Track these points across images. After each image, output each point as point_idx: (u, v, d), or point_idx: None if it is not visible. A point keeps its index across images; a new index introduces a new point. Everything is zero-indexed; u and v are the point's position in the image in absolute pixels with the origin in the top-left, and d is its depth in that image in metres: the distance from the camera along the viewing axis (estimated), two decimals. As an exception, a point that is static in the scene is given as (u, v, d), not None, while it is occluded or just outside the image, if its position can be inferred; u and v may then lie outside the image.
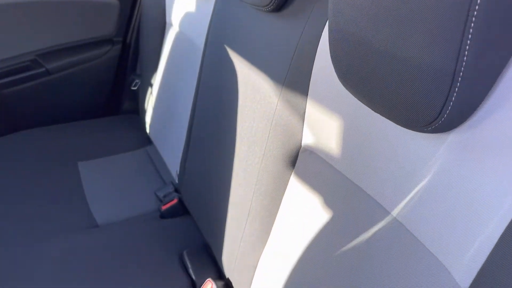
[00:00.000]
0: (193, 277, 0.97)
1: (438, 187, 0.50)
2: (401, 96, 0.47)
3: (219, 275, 0.97)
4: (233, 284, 0.91)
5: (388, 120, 0.55)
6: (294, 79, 0.73)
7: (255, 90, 0.84)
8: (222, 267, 0.95)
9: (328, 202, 0.67)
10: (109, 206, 1.23)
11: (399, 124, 0.51)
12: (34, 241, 1.06)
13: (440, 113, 0.44)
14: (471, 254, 0.46)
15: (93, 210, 1.21)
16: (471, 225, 0.46)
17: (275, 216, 0.79)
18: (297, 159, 0.75)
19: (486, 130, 0.45)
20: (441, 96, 0.43)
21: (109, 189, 1.30)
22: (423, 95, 0.45)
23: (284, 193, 0.78)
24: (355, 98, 0.61)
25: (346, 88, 0.57)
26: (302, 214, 0.73)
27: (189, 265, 0.99)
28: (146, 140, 1.56)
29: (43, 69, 1.56)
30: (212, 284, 0.91)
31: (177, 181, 1.24)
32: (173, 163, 1.31)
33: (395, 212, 0.57)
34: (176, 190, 1.24)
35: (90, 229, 1.13)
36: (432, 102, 0.44)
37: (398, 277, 0.53)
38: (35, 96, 1.60)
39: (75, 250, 1.04)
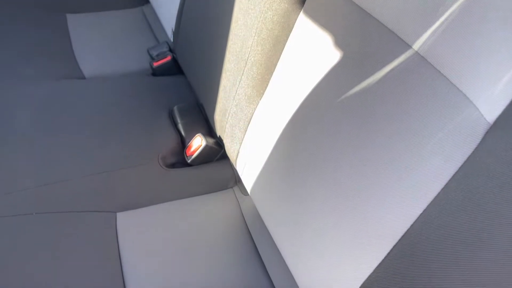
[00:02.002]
0: (182, 132, 0.91)
1: (466, 16, 0.41)
2: None
3: (210, 133, 0.92)
4: (224, 141, 0.86)
5: None
6: None
7: None
8: (214, 124, 0.89)
9: (340, 39, 0.58)
10: (97, 60, 1.14)
11: None
12: (18, 82, 0.99)
13: None
14: (500, 87, 0.40)
15: (80, 62, 1.12)
16: (502, 57, 0.40)
17: (276, 62, 0.70)
18: (308, -5, 0.65)
19: None
20: None
21: (99, 43, 1.20)
22: None
23: (288, 36, 0.69)
24: None
25: None
26: (308, 57, 0.64)
27: (178, 120, 0.92)
28: (143, -1, 1.42)
29: None
30: (202, 138, 0.86)
31: (171, 40, 1.14)
32: (168, 21, 1.19)
33: (416, 45, 0.49)
34: (171, 50, 1.15)
35: (77, 80, 1.06)
36: None
37: (418, 115, 0.46)
38: None
39: (60, 96, 0.97)
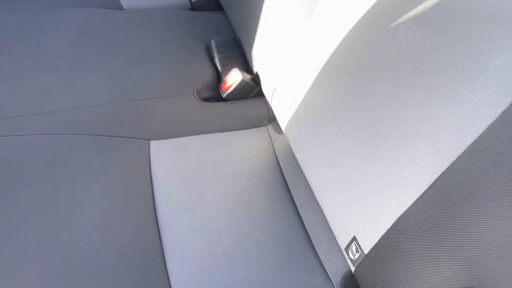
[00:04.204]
0: (219, 67, 0.89)
1: None
2: None
3: (247, 69, 0.89)
4: (261, 78, 0.83)
5: None
6: None
7: None
8: (251, 60, 0.86)
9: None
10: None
11: None
12: (56, 6, 0.99)
13: None
14: None
15: (118, -8, 1.10)
16: None
17: (313, 8, 0.66)
18: None
19: None
20: None
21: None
22: None
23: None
24: None
25: None
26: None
27: (215, 54, 0.90)
28: None
29: None
30: (238, 73, 0.84)
31: (212, -26, 1.10)
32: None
33: None
34: (210, -14, 1.11)
35: (115, 10, 1.04)
36: None
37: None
38: None
39: (97, 24, 0.96)
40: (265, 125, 0.86)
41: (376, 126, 0.53)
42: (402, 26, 0.52)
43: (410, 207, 0.48)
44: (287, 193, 0.76)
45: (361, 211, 0.55)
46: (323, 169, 0.65)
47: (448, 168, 0.44)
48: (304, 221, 0.73)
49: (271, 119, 0.86)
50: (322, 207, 0.66)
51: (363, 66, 0.56)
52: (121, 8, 1.07)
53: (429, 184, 0.46)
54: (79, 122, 0.77)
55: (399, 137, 0.50)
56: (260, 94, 0.87)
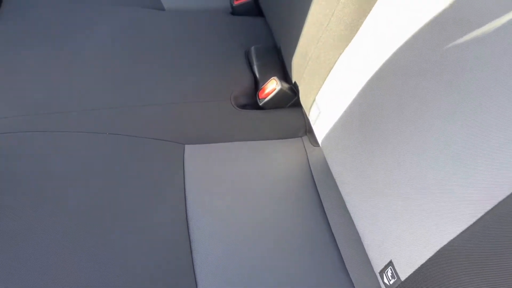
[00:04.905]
0: (257, 74, 0.88)
1: None
2: None
3: (285, 78, 0.88)
4: (300, 88, 0.82)
5: None
6: None
7: None
8: (291, 69, 0.85)
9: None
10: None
11: None
12: (98, 3, 1.00)
13: None
14: None
15: (160, -7, 1.11)
16: None
17: (374, 3, 0.65)
18: None
19: None
20: None
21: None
22: None
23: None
24: None
25: None
26: (410, 10, 0.58)
27: (254, 61, 0.90)
28: None
29: None
30: (277, 82, 0.83)
31: (254, -21, 1.10)
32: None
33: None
34: (252, -9, 1.10)
35: (156, 10, 1.05)
36: None
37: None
38: None
39: (138, 24, 0.97)
40: (300, 136, 0.85)
41: (425, 150, 0.51)
42: (469, 43, 0.50)
43: (456, 237, 0.46)
44: (320, 208, 0.75)
45: (401, 235, 0.54)
46: (361, 187, 0.63)
47: (502, 201, 0.42)
48: (336, 238, 0.72)
49: (307, 130, 0.85)
50: (357, 226, 0.65)
51: (416, 87, 0.54)
52: (162, 9, 1.07)
53: (480, 216, 0.43)
54: (117, 122, 0.78)
55: (452, 163, 0.48)
56: (297, 104, 0.86)
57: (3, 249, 0.60)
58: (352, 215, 0.67)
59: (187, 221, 0.70)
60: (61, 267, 0.60)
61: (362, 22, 0.67)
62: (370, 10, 0.66)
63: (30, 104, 0.78)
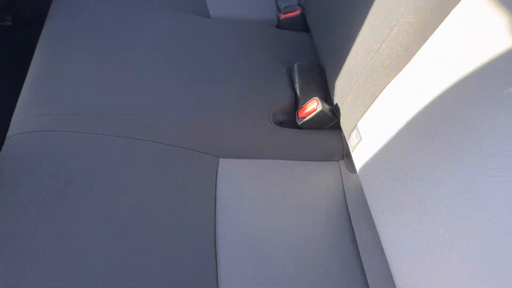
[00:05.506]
0: (298, 92, 0.87)
1: None
2: None
3: (326, 99, 0.86)
4: (341, 111, 0.80)
5: None
6: None
7: None
8: (333, 90, 0.83)
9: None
10: (224, 2, 1.12)
11: None
12: (145, 6, 1.01)
13: None
14: None
15: (208, 0, 1.11)
16: None
17: (428, 36, 0.62)
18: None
19: None
20: None
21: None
22: None
23: (452, 9, 0.59)
24: None
25: None
26: (467, 43, 0.56)
27: (296, 78, 0.88)
28: None
29: None
30: (318, 102, 0.81)
31: (304, -6, 1.08)
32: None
33: None
34: (299, 4, 1.09)
35: (202, 17, 1.05)
36: None
37: None
38: None
39: (183, 30, 0.97)
40: (337, 160, 0.82)
41: (473, 196, 0.48)
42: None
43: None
44: (351, 237, 0.73)
45: (440, 280, 0.51)
46: (399, 223, 0.61)
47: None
48: (365, 269, 0.70)
49: (344, 155, 0.82)
50: (390, 263, 0.62)
51: (466, 129, 0.52)
52: (208, 16, 1.07)
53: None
54: (155, 129, 0.78)
55: (500, 209, 0.45)
56: (336, 127, 0.83)
57: (27, 244, 0.61)
58: (385, 250, 0.64)
59: (215, 233, 0.69)
60: (81, 264, 0.60)
61: (414, 53, 0.65)
62: (427, 38, 0.63)
63: (71, 104, 0.79)
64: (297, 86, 0.87)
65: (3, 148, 0.73)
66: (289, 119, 0.86)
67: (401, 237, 0.60)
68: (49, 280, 0.58)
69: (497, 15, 0.52)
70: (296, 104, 0.87)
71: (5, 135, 0.76)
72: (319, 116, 0.81)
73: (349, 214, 0.75)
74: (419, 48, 0.64)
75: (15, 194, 0.66)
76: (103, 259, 0.62)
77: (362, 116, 0.74)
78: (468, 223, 0.49)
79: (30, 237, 0.61)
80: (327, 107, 0.82)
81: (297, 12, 1.03)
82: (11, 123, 0.77)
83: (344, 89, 0.79)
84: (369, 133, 0.71)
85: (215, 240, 0.69)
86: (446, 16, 0.60)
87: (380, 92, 0.70)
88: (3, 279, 0.57)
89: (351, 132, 0.77)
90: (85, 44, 0.89)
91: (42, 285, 0.57)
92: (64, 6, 0.99)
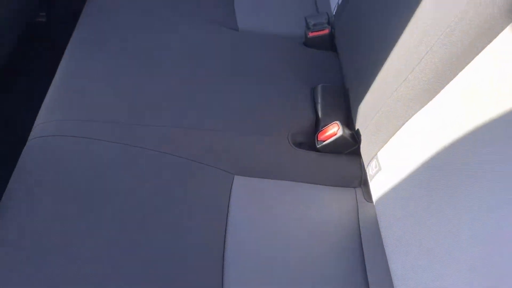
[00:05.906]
0: (319, 114, 0.85)
1: None
2: None
3: (347, 123, 0.85)
4: (362, 138, 0.78)
5: None
6: None
7: None
8: (356, 116, 0.82)
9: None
10: (254, 15, 1.12)
11: None
12: (173, 15, 1.01)
13: None
14: None
15: (237, 12, 1.11)
16: None
17: (458, 72, 0.60)
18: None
19: None
20: None
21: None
22: None
23: (484, 47, 0.57)
24: None
25: None
26: (498, 84, 0.53)
27: (319, 100, 0.87)
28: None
29: None
30: (339, 127, 0.79)
31: (334, 12, 1.07)
32: (336, -8, 1.12)
33: None
34: (329, 23, 1.07)
35: (230, 29, 1.05)
36: None
37: None
38: None
39: (210, 42, 0.97)
40: (354, 187, 0.81)
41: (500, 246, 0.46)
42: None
43: None
44: (362, 269, 0.71)
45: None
46: (410, 261, 0.59)
47: None
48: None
49: (362, 182, 0.81)
50: None
51: (492, 172, 0.50)
52: (236, 28, 1.07)
53: None
54: (175, 142, 0.78)
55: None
56: (356, 153, 0.82)
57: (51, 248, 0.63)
58: (395, 285, 0.63)
59: (223, 249, 0.69)
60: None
61: (441, 88, 0.63)
62: (456, 74, 0.61)
63: (94, 110, 0.80)
64: (319, 107, 0.86)
65: (24, 149, 0.75)
66: (308, 141, 0.84)
67: (410, 276, 0.58)
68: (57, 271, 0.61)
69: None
70: (317, 126, 0.86)
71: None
72: (339, 140, 0.79)
73: (361, 243, 0.74)
74: (446, 84, 0.62)
75: (33, 194, 0.69)
76: (112, 265, 0.64)
77: (382, 147, 0.72)
78: (490, 273, 0.47)
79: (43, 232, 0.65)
80: (348, 132, 0.80)
81: (326, 31, 1.02)
82: (34, 125, 0.79)
83: (367, 116, 0.77)
84: (388, 165, 0.70)
85: (223, 259, 0.68)
86: (478, 53, 0.58)
87: (403, 124, 0.69)
88: (17, 271, 0.61)
89: (370, 161, 0.75)
90: (112, 50, 0.90)
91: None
92: (98, 10, 1.01)
